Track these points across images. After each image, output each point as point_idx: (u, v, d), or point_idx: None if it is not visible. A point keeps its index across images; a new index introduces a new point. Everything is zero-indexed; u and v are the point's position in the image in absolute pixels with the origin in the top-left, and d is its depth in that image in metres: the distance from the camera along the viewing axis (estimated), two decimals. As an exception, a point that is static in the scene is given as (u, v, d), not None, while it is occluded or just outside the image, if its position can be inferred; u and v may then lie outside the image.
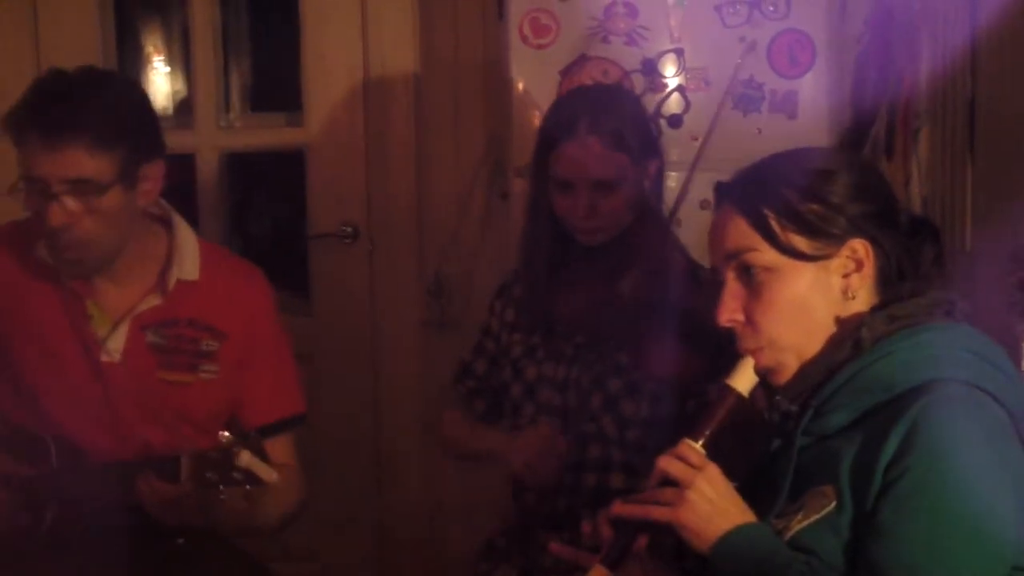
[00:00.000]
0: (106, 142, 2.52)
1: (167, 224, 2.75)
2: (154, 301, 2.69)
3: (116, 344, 2.67)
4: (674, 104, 3.43)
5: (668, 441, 1.94)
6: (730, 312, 1.92)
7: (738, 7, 3.42)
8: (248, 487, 2.38)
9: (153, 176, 2.64)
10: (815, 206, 1.88)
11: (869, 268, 1.90)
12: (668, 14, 3.44)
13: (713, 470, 1.88)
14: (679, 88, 3.45)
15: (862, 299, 1.91)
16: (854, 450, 1.81)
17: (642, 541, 1.95)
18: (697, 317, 2.53)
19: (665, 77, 3.45)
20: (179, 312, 2.70)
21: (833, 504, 1.81)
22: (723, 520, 1.85)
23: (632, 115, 2.76)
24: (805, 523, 1.83)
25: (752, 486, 1.95)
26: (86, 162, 2.50)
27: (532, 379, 2.80)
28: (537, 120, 3.43)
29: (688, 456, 1.89)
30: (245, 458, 2.34)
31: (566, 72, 3.47)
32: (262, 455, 2.38)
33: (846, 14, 3.62)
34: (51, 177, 2.49)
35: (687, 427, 1.96)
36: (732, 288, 1.93)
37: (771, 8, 3.41)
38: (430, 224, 4.11)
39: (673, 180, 3.28)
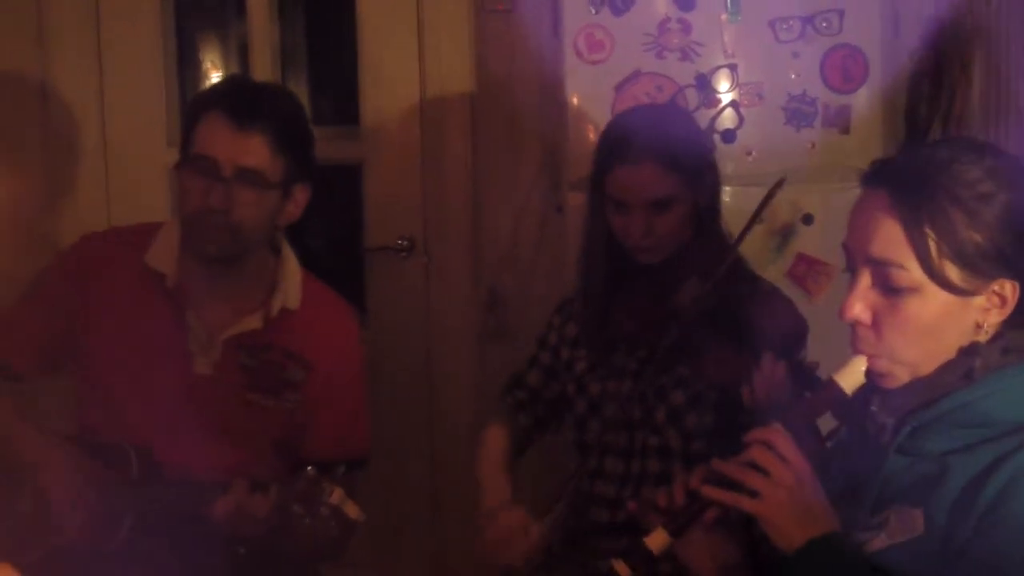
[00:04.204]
0: (285, 143, 2.63)
1: (276, 251, 2.81)
2: (254, 324, 2.74)
3: (211, 358, 2.72)
4: (728, 119, 3.43)
5: (732, 451, 1.91)
6: (857, 311, 1.83)
7: (791, 23, 3.42)
8: (332, 523, 2.39)
9: (299, 199, 2.75)
10: (977, 236, 1.77)
11: (1010, 307, 1.81)
12: (722, 30, 3.44)
13: (805, 468, 1.85)
14: (732, 103, 3.45)
15: (991, 332, 1.83)
16: (951, 486, 1.76)
17: (711, 514, 1.93)
18: (753, 327, 2.57)
19: (719, 92, 3.46)
20: (274, 338, 2.76)
21: (921, 532, 1.78)
22: (811, 524, 1.82)
23: (684, 132, 2.77)
24: (888, 543, 1.81)
25: (836, 492, 1.93)
26: (264, 155, 2.61)
27: (596, 395, 2.83)
28: (592, 135, 3.46)
29: (780, 446, 1.85)
30: (337, 496, 2.35)
31: (620, 87, 3.48)
32: (351, 492, 2.39)
33: (900, 29, 3.62)
34: (227, 161, 2.59)
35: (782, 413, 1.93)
36: (864, 288, 1.83)
37: (824, 24, 3.41)
38: (486, 237, 4.13)
39: (728, 195, 3.30)
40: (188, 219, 2.66)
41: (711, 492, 1.90)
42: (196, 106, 2.69)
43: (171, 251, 2.74)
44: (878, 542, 1.82)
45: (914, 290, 1.79)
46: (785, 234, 3.43)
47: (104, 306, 2.73)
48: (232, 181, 2.59)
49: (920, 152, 1.90)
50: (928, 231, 1.78)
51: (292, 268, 2.81)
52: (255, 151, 2.60)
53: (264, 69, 4.18)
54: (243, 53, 4.41)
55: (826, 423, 2.06)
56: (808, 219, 3.42)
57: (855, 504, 1.90)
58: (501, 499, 2.79)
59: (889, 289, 1.81)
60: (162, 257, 2.73)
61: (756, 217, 2.59)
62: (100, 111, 4.19)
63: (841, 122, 3.44)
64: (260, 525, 2.46)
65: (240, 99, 2.63)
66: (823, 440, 2.15)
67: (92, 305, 2.74)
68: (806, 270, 3.43)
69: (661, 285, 2.74)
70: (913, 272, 1.79)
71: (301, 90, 4.64)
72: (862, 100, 3.45)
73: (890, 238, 1.80)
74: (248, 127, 2.59)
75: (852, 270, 1.87)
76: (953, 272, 1.78)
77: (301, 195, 2.74)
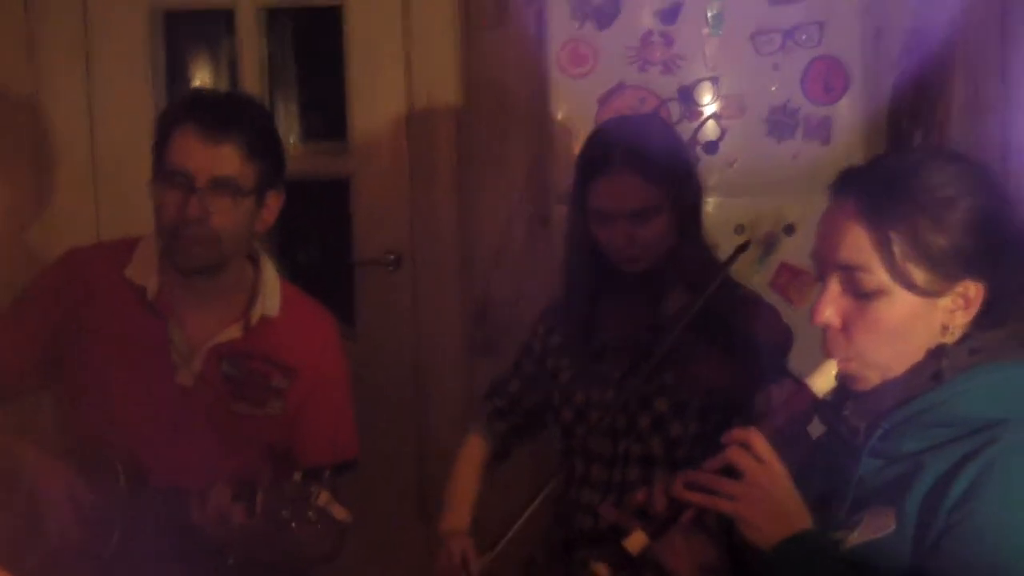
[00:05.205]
0: (256, 151, 2.66)
1: (254, 261, 2.84)
2: (235, 333, 2.77)
3: (192, 369, 2.74)
4: (710, 131, 3.47)
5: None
6: (827, 316, 1.87)
7: (772, 35, 3.45)
8: (320, 526, 2.41)
9: (273, 205, 2.78)
10: (941, 239, 1.81)
11: (975, 308, 1.84)
12: (703, 43, 3.48)
13: (780, 468, 1.86)
14: (714, 115, 3.49)
15: (957, 333, 1.86)
16: (922, 484, 1.79)
17: (688, 515, 1.95)
18: (739, 333, 2.59)
19: (701, 105, 3.50)
20: (255, 347, 2.78)
21: (892, 529, 1.80)
22: (786, 522, 1.84)
23: (664, 142, 2.79)
24: (860, 541, 1.83)
25: (811, 494, 1.94)
26: (236, 163, 2.64)
27: (581, 403, 2.85)
28: (577, 147, 3.49)
29: (756, 447, 1.87)
30: (324, 498, 2.36)
31: (604, 100, 3.51)
32: (335, 494, 2.40)
33: (881, 40, 3.65)
34: (200, 172, 2.62)
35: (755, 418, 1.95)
36: (833, 293, 1.87)
37: (804, 36, 3.44)
38: (474, 250, 4.14)
39: (710, 206, 3.33)
40: (166, 232, 2.69)
41: (688, 495, 1.92)
42: (165, 122, 2.72)
43: (150, 264, 2.77)
44: (852, 539, 1.84)
45: (881, 293, 1.83)
46: (768, 244, 3.46)
47: (88, 320, 2.76)
48: (206, 191, 2.62)
49: (886, 160, 1.94)
50: (892, 235, 1.81)
51: (270, 276, 2.84)
52: (227, 160, 2.64)
53: (252, 85, 4.19)
54: (232, 69, 4.43)
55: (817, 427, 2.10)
56: (790, 229, 3.45)
57: (833, 505, 1.92)
58: (456, 525, 2.90)
59: (858, 293, 1.85)
60: (141, 270, 2.77)
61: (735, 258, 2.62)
62: (89, 126, 4.20)
63: (822, 134, 3.47)
64: (246, 532, 2.47)
65: (209, 111, 2.66)
66: (810, 442, 2.17)
67: (77, 319, 2.76)
68: (789, 280, 3.46)
69: (646, 293, 2.77)
70: (879, 275, 1.83)
71: (290, 105, 4.66)
72: (843, 111, 3.49)
73: (857, 243, 1.84)
74: (219, 138, 2.63)
75: (822, 278, 1.91)
76: (918, 274, 1.82)
77: (274, 202, 2.77)
